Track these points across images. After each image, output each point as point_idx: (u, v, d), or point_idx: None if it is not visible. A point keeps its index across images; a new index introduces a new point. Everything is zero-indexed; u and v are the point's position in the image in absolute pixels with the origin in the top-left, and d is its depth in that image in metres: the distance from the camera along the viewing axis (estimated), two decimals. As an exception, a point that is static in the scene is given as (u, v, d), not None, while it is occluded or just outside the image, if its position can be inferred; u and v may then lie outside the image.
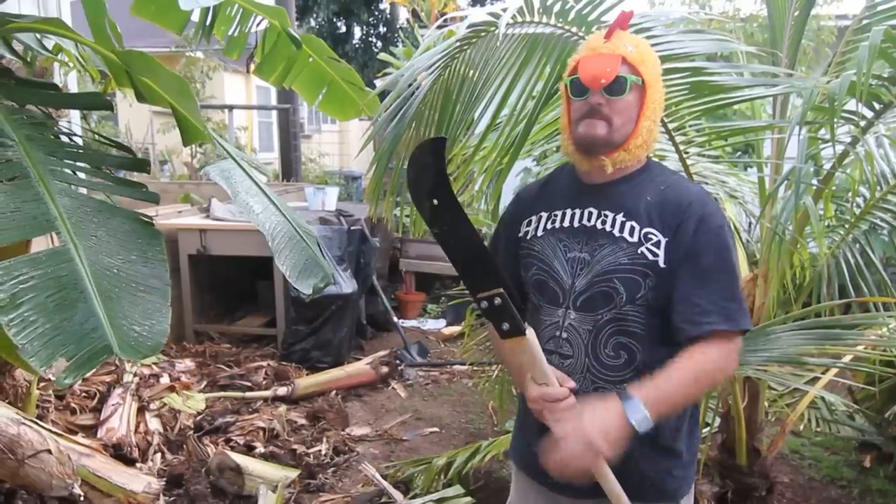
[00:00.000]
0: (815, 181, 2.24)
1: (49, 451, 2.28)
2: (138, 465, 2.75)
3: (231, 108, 9.13)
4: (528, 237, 1.39)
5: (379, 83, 2.35)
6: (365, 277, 4.82)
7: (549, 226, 1.37)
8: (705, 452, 2.35)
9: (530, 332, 1.19)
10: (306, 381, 3.92)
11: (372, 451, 3.33)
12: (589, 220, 1.32)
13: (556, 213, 1.37)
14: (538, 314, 1.37)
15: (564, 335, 1.32)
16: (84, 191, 1.60)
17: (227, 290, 5.04)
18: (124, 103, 8.21)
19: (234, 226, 4.61)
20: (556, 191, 1.42)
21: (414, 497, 2.70)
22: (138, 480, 2.44)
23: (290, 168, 8.00)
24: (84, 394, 3.14)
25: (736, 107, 2.92)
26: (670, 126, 2.07)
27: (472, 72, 1.96)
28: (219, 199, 5.05)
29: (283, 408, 3.59)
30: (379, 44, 14.75)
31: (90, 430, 2.93)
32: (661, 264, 1.26)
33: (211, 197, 5.26)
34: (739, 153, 3.65)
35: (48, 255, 1.34)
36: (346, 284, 4.44)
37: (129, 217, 1.50)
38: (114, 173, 1.83)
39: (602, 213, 1.32)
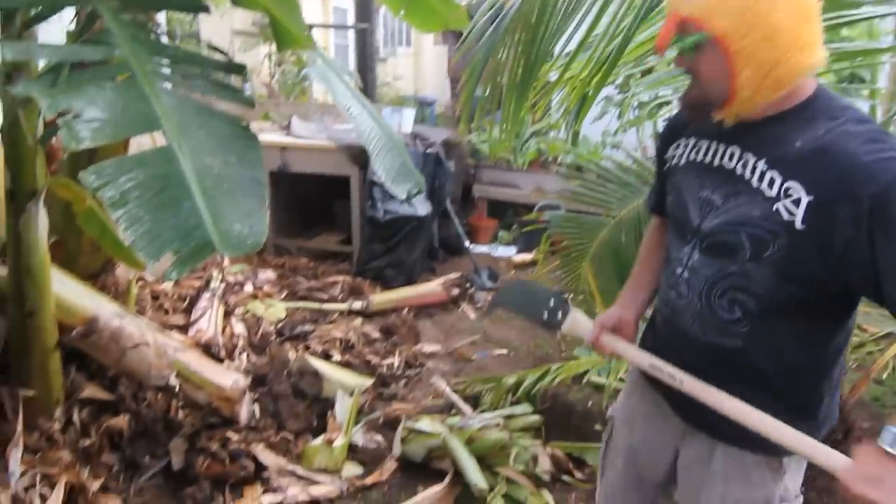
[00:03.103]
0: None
1: (147, 344, 2.46)
2: (226, 363, 2.92)
3: (310, 27, 9.11)
4: (672, 163, 1.32)
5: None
6: (439, 201, 4.83)
7: (691, 156, 1.27)
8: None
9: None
10: (380, 298, 4.04)
11: (441, 368, 3.43)
12: (730, 160, 1.20)
13: (702, 143, 1.26)
14: (670, 242, 1.33)
15: (686, 275, 1.25)
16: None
17: (306, 208, 5.17)
18: (206, 22, 8.32)
19: (314, 144, 4.67)
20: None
21: (482, 412, 2.78)
22: (227, 376, 2.61)
23: (366, 89, 7.98)
24: (176, 296, 3.34)
25: (844, 31, 2.69)
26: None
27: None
28: (299, 118, 5.12)
29: (358, 321, 3.72)
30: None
31: (182, 330, 3.13)
32: (798, 225, 1.08)
33: (291, 115, 5.33)
34: (845, 83, 3.38)
35: (154, 154, 1.39)
36: (421, 206, 4.48)
37: (226, 120, 1.54)
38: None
39: (744, 154, 1.18)
